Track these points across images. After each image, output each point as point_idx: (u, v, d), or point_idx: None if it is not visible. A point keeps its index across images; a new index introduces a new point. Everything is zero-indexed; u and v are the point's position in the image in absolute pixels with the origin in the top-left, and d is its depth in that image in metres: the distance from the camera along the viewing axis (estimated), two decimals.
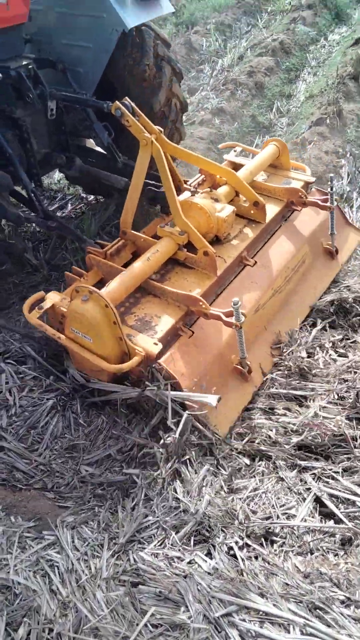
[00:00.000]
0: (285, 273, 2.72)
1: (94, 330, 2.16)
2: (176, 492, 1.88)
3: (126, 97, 2.52)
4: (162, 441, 2.02)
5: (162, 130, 2.60)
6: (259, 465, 2.06)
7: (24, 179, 2.88)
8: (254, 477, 2.01)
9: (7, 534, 1.77)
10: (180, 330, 2.31)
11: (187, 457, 2.03)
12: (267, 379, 2.43)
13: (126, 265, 2.52)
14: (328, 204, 2.86)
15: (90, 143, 3.53)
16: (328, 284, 2.92)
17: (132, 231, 2.65)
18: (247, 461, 2.09)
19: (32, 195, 2.91)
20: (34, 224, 3.19)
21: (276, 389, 2.37)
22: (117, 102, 2.48)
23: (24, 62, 2.91)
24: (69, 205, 4.12)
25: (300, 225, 2.94)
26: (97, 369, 2.25)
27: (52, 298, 2.39)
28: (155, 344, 2.19)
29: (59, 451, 2.20)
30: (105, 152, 3.18)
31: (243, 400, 2.34)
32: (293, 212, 2.98)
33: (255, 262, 2.66)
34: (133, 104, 2.51)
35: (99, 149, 3.32)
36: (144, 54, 3.13)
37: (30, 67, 2.90)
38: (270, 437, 2.14)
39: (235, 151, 3.30)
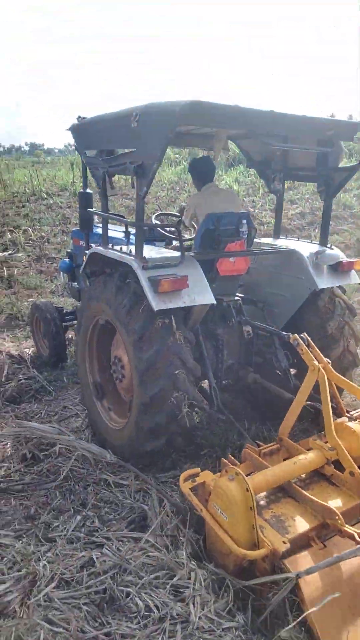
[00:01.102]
0: None
1: (231, 509, 2.34)
2: None
3: (304, 333, 3.17)
4: None
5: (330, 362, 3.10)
6: None
7: (210, 378, 3.64)
8: None
9: None
10: (312, 541, 2.35)
11: None
12: None
13: None
14: None
15: None
16: None
17: (288, 439, 2.98)
18: None
19: (213, 391, 3.61)
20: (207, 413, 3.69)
21: None
22: (295, 335, 3.13)
23: (234, 298, 3.96)
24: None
25: None
26: (225, 551, 2.36)
27: (205, 476, 2.66)
28: (284, 542, 2.26)
29: None
30: (279, 373, 3.81)
31: None
32: None
33: None
34: (308, 338, 3.13)
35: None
36: (331, 317, 3.90)
37: (237, 301, 3.94)
38: None
39: None
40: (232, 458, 2.88)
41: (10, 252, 9.76)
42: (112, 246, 3.66)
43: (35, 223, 11.83)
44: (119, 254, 3.41)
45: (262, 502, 2.59)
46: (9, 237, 10.67)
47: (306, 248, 4.03)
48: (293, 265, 3.95)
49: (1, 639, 2.09)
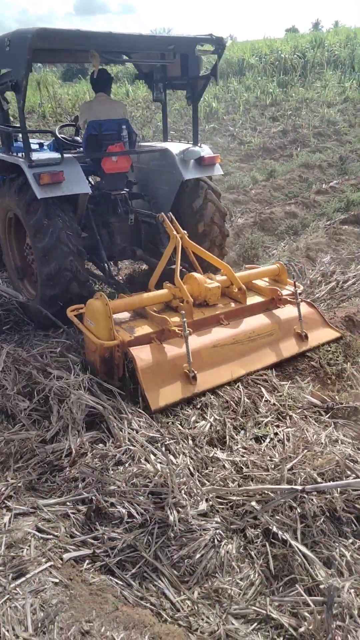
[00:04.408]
0: (249, 334, 3.68)
1: (95, 318, 3.37)
2: None
3: (169, 213, 4.09)
4: None
5: (187, 234, 4.01)
6: None
7: (104, 257, 4.65)
8: None
9: None
10: (153, 340, 3.41)
11: None
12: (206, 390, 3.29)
13: None
14: (296, 300, 3.83)
15: None
16: (289, 355, 3.73)
17: (154, 289, 4.02)
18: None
19: (106, 266, 4.68)
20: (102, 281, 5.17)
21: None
22: (162, 214, 4.03)
23: (121, 192, 4.73)
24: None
25: (278, 313, 3.95)
26: (94, 348, 3.39)
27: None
28: (130, 336, 3.38)
29: (208, 591, 2.15)
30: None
31: (181, 393, 3.22)
32: (277, 306, 3.99)
33: (228, 323, 3.73)
34: (172, 216, 4.04)
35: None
36: (197, 197, 4.77)
37: (123, 195, 4.73)
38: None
39: (253, 266, 4.72)
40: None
41: None
42: (16, 154, 4.38)
43: None
44: (13, 157, 4.21)
45: (124, 321, 3.63)
46: None
47: (177, 147, 4.84)
48: (167, 162, 4.80)
49: None
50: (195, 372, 3.28)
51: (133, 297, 3.77)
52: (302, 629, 1.97)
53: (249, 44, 22.12)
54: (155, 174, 5.04)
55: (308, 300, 4.28)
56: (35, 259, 4.16)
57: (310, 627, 1.95)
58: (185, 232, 3.99)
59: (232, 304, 3.93)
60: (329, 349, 3.80)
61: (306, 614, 2.02)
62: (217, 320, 3.74)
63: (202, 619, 2.04)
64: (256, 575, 2.21)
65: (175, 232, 3.95)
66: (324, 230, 6.54)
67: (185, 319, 3.29)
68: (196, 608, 2.08)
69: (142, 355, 3.25)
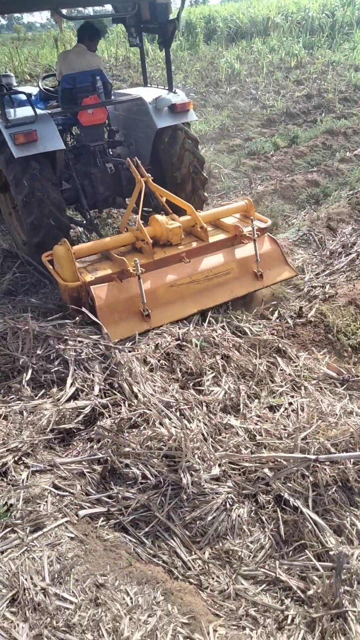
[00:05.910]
0: (207, 273, 3.88)
1: (60, 262, 3.66)
2: None
3: (135, 157, 4.28)
4: None
5: (152, 177, 4.22)
6: None
7: (85, 206, 4.91)
8: None
9: (163, 620, 1.80)
10: (114, 280, 3.64)
11: None
12: (161, 326, 3.55)
13: None
14: (253, 236, 3.93)
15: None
16: (243, 294, 3.98)
17: (125, 232, 4.14)
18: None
19: (87, 213, 4.97)
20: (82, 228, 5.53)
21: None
22: (128, 159, 4.24)
23: (99, 143, 4.94)
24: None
25: (238, 251, 4.07)
26: (63, 288, 3.70)
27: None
28: (91, 277, 3.63)
29: (218, 552, 2.20)
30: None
31: (135, 329, 3.51)
32: (241, 242, 4.11)
33: (189, 261, 3.89)
34: (138, 161, 4.24)
35: None
36: (173, 146, 4.87)
37: (102, 145, 4.95)
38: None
39: (225, 203, 4.85)
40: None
41: None
42: None
43: None
44: None
45: (89, 263, 3.86)
46: None
47: (151, 95, 4.86)
48: (142, 110, 4.88)
49: (12, 501, 2.28)
50: (150, 310, 3.55)
51: (96, 241, 4.01)
52: (310, 592, 2.02)
53: (275, 1, 21.07)
54: (133, 121, 5.16)
55: (273, 236, 4.36)
56: (20, 211, 4.44)
57: (319, 591, 2.00)
58: (150, 175, 4.18)
59: (195, 243, 4.07)
60: (348, 321, 3.76)
61: (315, 577, 2.06)
62: (178, 259, 3.90)
63: (213, 578, 2.10)
64: (266, 539, 2.25)
65: (139, 177, 4.10)
66: (346, 200, 6.34)
67: (137, 260, 3.50)
68: (207, 567, 2.14)
69: (101, 293, 3.54)
